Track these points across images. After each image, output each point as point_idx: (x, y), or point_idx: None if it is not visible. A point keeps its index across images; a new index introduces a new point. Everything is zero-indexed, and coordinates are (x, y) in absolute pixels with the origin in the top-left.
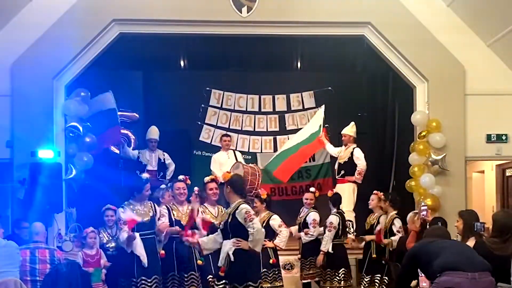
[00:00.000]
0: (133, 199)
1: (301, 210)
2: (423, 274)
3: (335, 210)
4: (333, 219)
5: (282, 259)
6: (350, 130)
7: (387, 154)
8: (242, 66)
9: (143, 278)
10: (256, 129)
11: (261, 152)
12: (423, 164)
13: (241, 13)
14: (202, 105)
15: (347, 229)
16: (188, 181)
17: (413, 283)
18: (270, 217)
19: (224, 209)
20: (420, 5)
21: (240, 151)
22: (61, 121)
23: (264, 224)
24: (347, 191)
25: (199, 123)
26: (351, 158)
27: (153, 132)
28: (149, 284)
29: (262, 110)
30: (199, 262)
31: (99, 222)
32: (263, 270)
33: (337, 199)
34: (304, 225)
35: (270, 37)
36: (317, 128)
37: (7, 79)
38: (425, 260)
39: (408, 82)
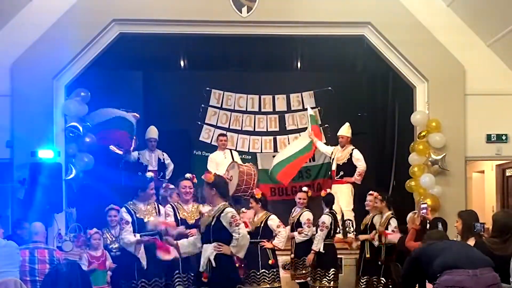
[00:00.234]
0: (137, 198)
1: (293, 209)
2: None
3: (327, 210)
4: (326, 218)
5: (281, 259)
6: (347, 131)
7: (387, 154)
8: (242, 66)
9: (143, 280)
10: (256, 129)
11: (261, 152)
12: (423, 164)
13: (241, 13)
14: (202, 105)
15: (347, 229)
16: (195, 180)
17: None
18: (268, 217)
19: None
20: (420, 5)
21: (240, 151)
22: (61, 121)
23: (262, 225)
24: (346, 192)
25: (199, 123)
26: (350, 159)
27: (152, 132)
28: (149, 286)
29: (262, 110)
30: None
31: (99, 222)
32: (262, 270)
33: (330, 199)
34: (297, 225)
35: (270, 37)
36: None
37: (7, 79)
38: (425, 261)
39: (408, 82)
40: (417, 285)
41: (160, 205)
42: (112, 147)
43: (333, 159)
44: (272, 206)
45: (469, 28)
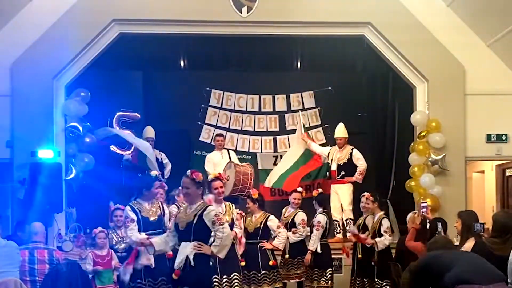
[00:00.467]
0: (141, 197)
1: (284, 210)
2: None
3: (321, 209)
4: (321, 218)
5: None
6: (343, 132)
7: (387, 154)
8: (242, 66)
9: (150, 279)
10: (256, 129)
11: (261, 152)
12: (423, 164)
13: (241, 13)
14: (202, 105)
15: (347, 228)
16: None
17: None
18: (267, 218)
19: (232, 205)
20: (420, 5)
21: (240, 151)
22: (61, 121)
23: (261, 225)
24: (347, 192)
25: (199, 123)
26: (350, 159)
27: (149, 131)
28: (155, 285)
29: (262, 110)
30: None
31: (99, 222)
32: (263, 272)
33: (323, 199)
34: (291, 225)
35: (270, 37)
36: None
37: (7, 79)
38: (436, 272)
39: (408, 82)
40: None
41: (165, 205)
42: (112, 147)
43: (332, 159)
44: (272, 206)
45: (469, 28)
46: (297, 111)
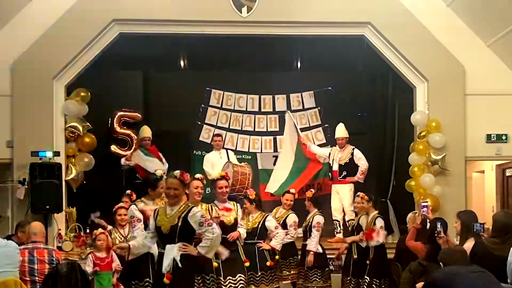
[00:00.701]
0: (146, 196)
1: (275, 210)
2: None
3: (316, 210)
4: (320, 219)
5: None
6: (344, 132)
7: (387, 154)
8: (242, 66)
9: (136, 281)
10: (256, 129)
11: (261, 152)
12: (423, 164)
13: (241, 13)
14: (202, 105)
15: (348, 228)
16: (205, 181)
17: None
18: (264, 218)
19: (237, 204)
20: (420, 5)
21: (240, 151)
22: (61, 121)
23: (259, 225)
24: (348, 192)
25: (199, 123)
26: (351, 159)
27: (146, 131)
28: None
29: (262, 110)
30: (215, 264)
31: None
32: (260, 272)
33: (317, 199)
34: (283, 226)
35: (270, 37)
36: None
37: (7, 79)
38: None
39: (408, 82)
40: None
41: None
42: (113, 147)
43: (333, 159)
44: (273, 206)
45: (469, 28)
46: (297, 111)
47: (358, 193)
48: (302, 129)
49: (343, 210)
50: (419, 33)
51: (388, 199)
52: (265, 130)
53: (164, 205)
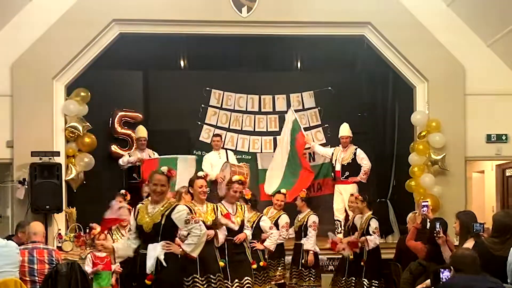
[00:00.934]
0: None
1: (266, 210)
2: None
3: (308, 210)
4: (316, 218)
5: None
6: (348, 131)
7: (387, 154)
8: (242, 66)
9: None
10: (256, 129)
11: (261, 152)
12: (423, 164)
13: (241, 13)
14: (202, 105)
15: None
16: (208, 178)
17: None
18: (259, 218)
19: (244, 206)
20: (420, 5)
21: (240, 151)
22: (61, 121)
23: (253, 225)
24: (351, 192)
25: (199, 123)
26: (354, 159)
27: (142, 131)
28: None
29: (262, 110)
30: (221, 263)
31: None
32: (254, 272)
33: (310, 200)
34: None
35: (270, 37)
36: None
37: (7, 79)
38: None
39: (408, 82)
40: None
41: None
42: (113, 147)
43: (336, 160)
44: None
45: (469, 28)
46: (297, 111)
47: (352, 192)
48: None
49: (345, 211)
50: (419, 33)
51: (388, 199)
52: (265, 130)
53: (146, 204)
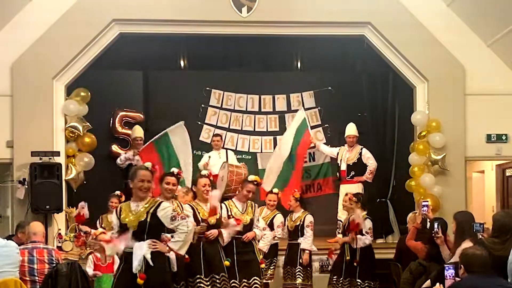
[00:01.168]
0: (159, 196)
1: (259, 210)
2: None
3: (303, 210)
4: (312, 218)
5: None
6: (355, 130)
7: (387, 154)
8: (242, 66)
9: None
10: (256, 129)
11: (261, 152)
12: (423, 164)
13: (241, 13)
14: (202, 105)
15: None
16: (211, 177)
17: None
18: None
19: (254, 204)
20: (420, 5)
21: (240, 151)
22: (61, 121)
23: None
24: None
25: (199, 123)
26: (359, 159)
27: (138, 131)
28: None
29: (262, 110)
30: (226, 263)
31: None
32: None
33: (303, 200)
34: (269, 227)
35: (270, 37)
36: (293, 136)
37: (7, 79)
38: None
39: (408, 82)
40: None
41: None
42: (114, 147)
43: (341, 159)
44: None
45: (469, 28)
46: (297, 111)
47: (346, 192)
48: None
49: None
50: (419, 33)
51: (388, 199)
52: (265, 130)
53: (128, 202)
